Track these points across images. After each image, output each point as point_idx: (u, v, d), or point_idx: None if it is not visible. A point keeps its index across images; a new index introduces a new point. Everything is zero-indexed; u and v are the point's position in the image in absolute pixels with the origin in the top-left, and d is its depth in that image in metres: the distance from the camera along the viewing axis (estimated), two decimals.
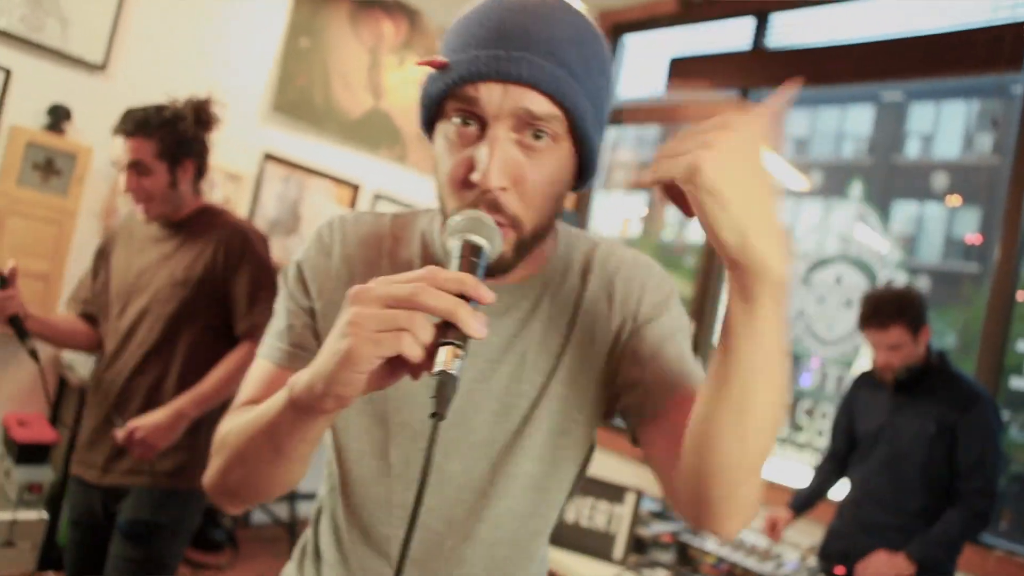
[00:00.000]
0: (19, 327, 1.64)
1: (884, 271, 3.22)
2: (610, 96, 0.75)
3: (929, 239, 11.60)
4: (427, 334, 0.54)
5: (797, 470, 3.11)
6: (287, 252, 3.51)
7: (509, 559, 0.83)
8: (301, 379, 0.61)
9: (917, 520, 2.13)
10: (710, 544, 2.17)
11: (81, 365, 2.71)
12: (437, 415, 0.54)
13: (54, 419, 2.77)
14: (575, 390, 0.80)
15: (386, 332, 0.54)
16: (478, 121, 0.67)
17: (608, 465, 3.21)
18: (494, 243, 0.65)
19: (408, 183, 3.97)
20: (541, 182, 0.69)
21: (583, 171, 0.75)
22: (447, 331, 0.55)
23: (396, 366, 0.57)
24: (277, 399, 0.65)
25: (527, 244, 0.71)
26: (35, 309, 1.76)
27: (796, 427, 3.30)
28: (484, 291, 0.56)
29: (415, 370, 0.57)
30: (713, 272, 3.69)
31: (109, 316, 1.85)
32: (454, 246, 0.63)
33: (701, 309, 3.64)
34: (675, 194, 0.57)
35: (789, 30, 3.72)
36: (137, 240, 1.88)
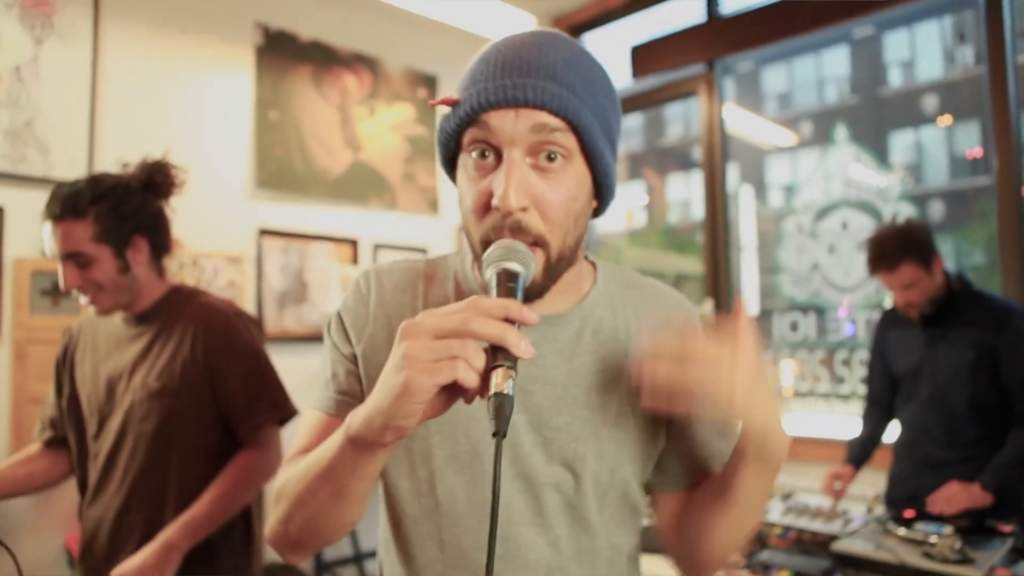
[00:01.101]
0: None
1: (887, 206, 3.19)
2: (616, 117, 0.78)
3: (933, 163, 11.45)
4: (479, 360, 0.58)
5: (846, 422, 3.07)
6: (300, 320, 3.55)
7: None
8: (358, 416, 0.63)
9: (974, 449, 2.09)
10: (774, 515, 2.14)
11: None
12: (499, 433, 0.56)
13: None
14: (623, 435, 0.81)
15: (441, 361, 0.57)
16: (494, 151, 0.71)
17: None
18: (528, 268, 0.68)
19: (402, 227, 4.00)
20: (559, 200, 0.72)
21: (599, 189, 0.78)
22: (496, 355, 0.58)
23: (450, 393, 0.60)
24: (333, 440, 0.68)
25: (555, 266, 0.74)
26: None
27: (838, 379, 3.26)
28: (528, 314, 0.60)
29: (469, 395, 0.59)
30: (720, 246, 3.68)
31: (85, 438, 1.55)
32: (491, 275, 0.66)
33: (715, 282, 3.63)
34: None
35: None
36: (102, 341, 1.57)
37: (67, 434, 1.59)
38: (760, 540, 2.09)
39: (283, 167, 3.54)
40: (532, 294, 0.73)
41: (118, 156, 3.00)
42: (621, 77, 4.26)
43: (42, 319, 2.78)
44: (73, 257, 1.44)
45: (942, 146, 11.60)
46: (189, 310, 1.54)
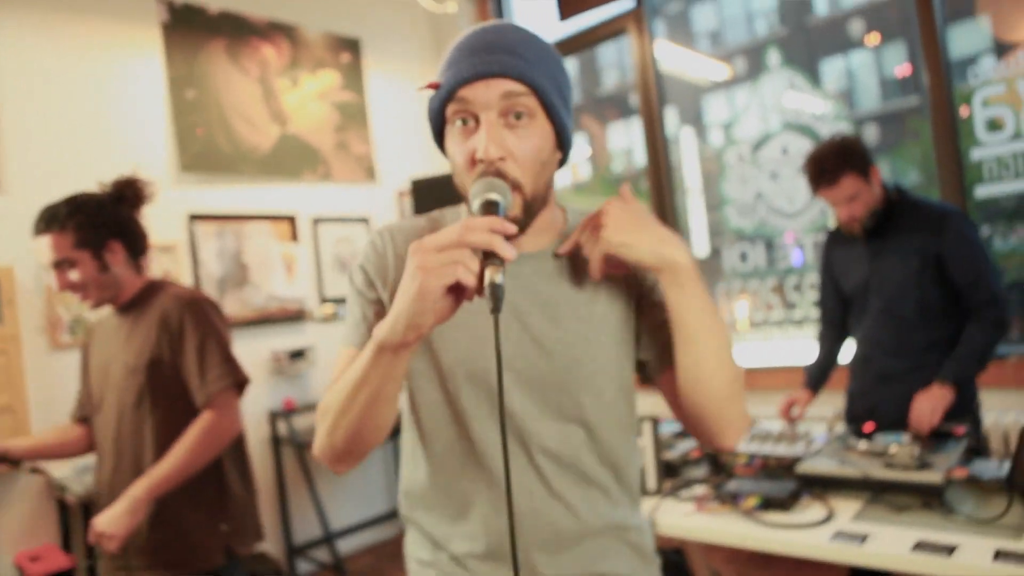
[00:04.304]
0: (7, 461, 1.75)
1: (825, 128, 3.19)
2: (567, 84, 0.95)
3: (864, 87, 11.61)
4: (474, 263, 0.73)
5: (803, 347, 3.10)
6: (244, 304, 3.43)
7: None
8: (383, 326, 0.79)
9: (925, 357, 2.12)
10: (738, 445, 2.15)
11: (74, 483, 2.63)
12: (495, 309, 0.72)
13: (67, 544, 2.70)
14: (607, 326, 0.98)
15: (445, 267, 0.72)
16: (473, 118, 0.88)
17: None
18: (506, 197, 0.84)
19: (341, 199, 3.88)
20: (529, 150, 0.89)
21: (559, 140, 0.94)
22: (487, 258, 0.73)
23: (455, 296, 0.75)
24: (365, 353, 0.82)
25: (531, 204, 0.91)
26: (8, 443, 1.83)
27: (790, 306, 3.29)
28: (508, 225, 0.75)
29: (469, 292, 0.74)
30: (664, 190, 3.65)
31: (94, 416, 1.84)
32: (476, 206, 0.82)
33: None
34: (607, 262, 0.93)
35: None
36: (105, 332, 1.87)
37: (90, 414, 1.88)
38: (726, 471, 2.10)
39: (208, 148, 3.38)
40: (516, 227, 0.87)
41: (28, 153, 2.84)
42: (549, 23, 4.16)
43: None
44: (60, 264, 1.71)
45: (872, 70, 11.76)
46: (156, 300, 1.81)
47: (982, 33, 3.16)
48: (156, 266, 3.15)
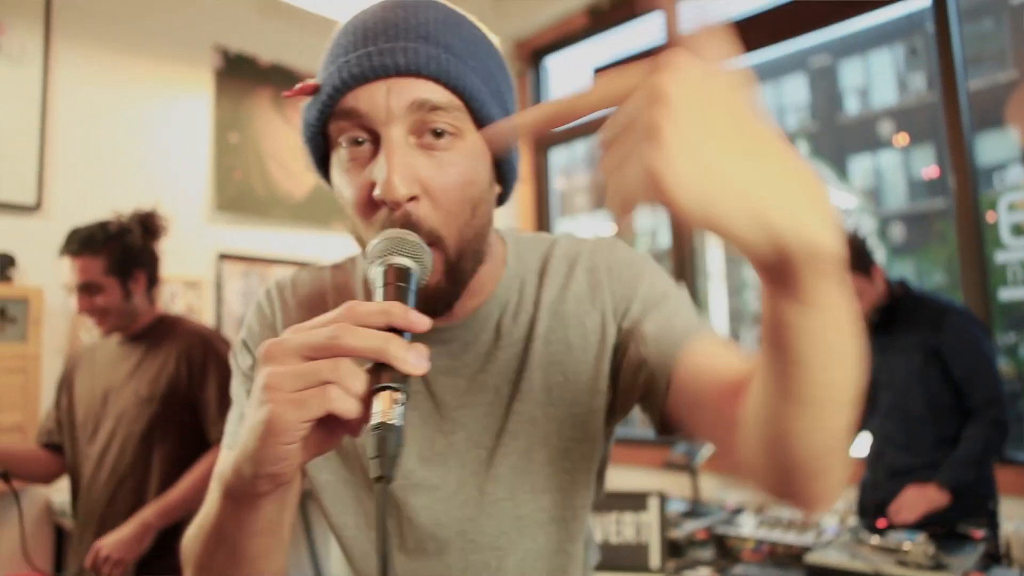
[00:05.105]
0: None
1: (849, 220, 3.23)
2: (507, 84, 0.67)
3: (891, 186, 11.74)
4: (358, 382, 0.45)
5: None
6: None
7: None
8: (227, 464, 0.52)
9: (937, 452, 2.09)
10: (746, 529, 2.10)
11: None
12: (382, 478, 0.44)
13: (59, 568, 2.67)
14: (562, 407, 0.70)
15: (309, 389, 0.45)
16: (369, 135, 0.59)
17: (624, 477, 3.13)
18: (423, 261, 0.55)
19: None
20: (453, 185, 0.59)
21: (499, 169, 0.66)
22: (381, 373, 0.46)
23: (333, 426, 0.48)
24: (213, 495, 0.57)
25: (458, 265, 0.62)
26: None
27: None
28: (415, 317, 0.48)
29: (352, 426, 0.47)
30: (687, 273, 3.67)
31: (79, 443, 1.81)
32: (376, 274, 0.54)
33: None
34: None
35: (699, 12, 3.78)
36: (99, 361, 1.86)
37: (63, 442, 1.86)
38: (733, 555, 2.05)
39: (244, 190, 3.47)
40: (439, 305, 0.62)
41: (71, 176, 2.94)
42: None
43: None
44: (86, 287, 1.72)
45: (899, 170, 11.91)
46: (174, 333, 1.84)
47: (1009, 143, 3.21)
48: (180, 300, 3.20)
